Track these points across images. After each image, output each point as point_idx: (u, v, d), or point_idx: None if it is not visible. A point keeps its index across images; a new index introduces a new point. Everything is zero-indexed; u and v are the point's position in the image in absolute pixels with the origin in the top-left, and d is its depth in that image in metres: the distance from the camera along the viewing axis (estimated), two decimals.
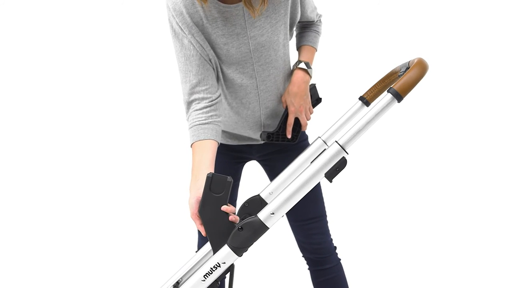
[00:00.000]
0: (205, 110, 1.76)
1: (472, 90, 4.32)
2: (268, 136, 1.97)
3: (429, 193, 3.98)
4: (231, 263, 1.59)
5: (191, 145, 1.72)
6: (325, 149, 1.57)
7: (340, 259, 2.13)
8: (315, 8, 2.03)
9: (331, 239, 2.11)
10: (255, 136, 2.02)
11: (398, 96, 1.52)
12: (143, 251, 3.60)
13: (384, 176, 4.11)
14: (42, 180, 4.21)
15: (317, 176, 1.54)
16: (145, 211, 3.97)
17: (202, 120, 1.74)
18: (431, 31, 4.37)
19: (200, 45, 1.78)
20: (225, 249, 1.57)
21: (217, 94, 1.79)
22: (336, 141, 1.55)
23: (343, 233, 3.63)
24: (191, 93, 1.77)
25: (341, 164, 1.55)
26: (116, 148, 4.34)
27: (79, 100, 4.44)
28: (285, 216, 2.01)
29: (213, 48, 1.80)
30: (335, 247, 2.13)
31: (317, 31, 2.04)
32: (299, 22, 2.02)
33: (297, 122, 1.98)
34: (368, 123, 1.54)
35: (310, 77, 1.94)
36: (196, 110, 1.76)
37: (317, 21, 2.06)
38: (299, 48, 2.04)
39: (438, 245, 3.53)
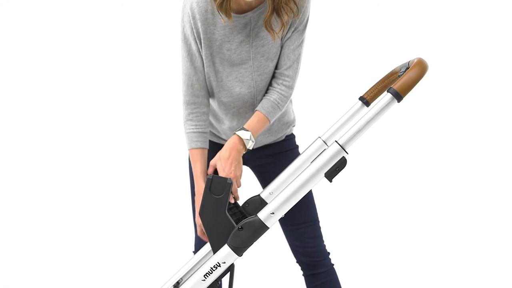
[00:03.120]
0: (203, 117, 1.90)
1: (472, 90, 4.32)
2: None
3: (428, 195, 3.97)
4: (231, 263, 1.60)
5: (189, 149, 1.90)
6: (325, 149, 1.58)
7: (333, 264, 2.11)
8: (295, 69, 1.93)
9: (324, 245, 2.10)
10: None
11: (398, 96, 1.52)
12: (143, 251, 3.60)
13: (383, 176, 4.11)
14: (42, 180, 4.21)
15: (317, 176, 1.55)
16: (145, 212, 3.97)
17: (200, 128, 1.90)
18: (431, 31, 4.37)
19: (202, 58, 1.87)
20: (225, 249, 1.58)
21: (208, 106, 1.94)
22: (336, 141, 1.55)
23: (343, 233, 3.64)
24: (192, 95, 1.89)
25: (341, 164, 1.55)
26: (116, 149, 4.34)
27: (79, 100, 4.43)
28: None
29: (217, 54, 1.86)
30: (329, 253, 2.11)
31: (278, 104, 1.91)
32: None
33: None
34: (368, 123, 1.54)
35: (245, 149, 1.84)
36: (194, 114, 1.89)
37: (281, 95, 1.92)
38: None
39: (434, 249, 3.54)
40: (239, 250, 1.57)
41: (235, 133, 1.81)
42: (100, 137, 4.36)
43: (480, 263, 3.35)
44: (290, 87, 1.92)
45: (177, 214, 3.67)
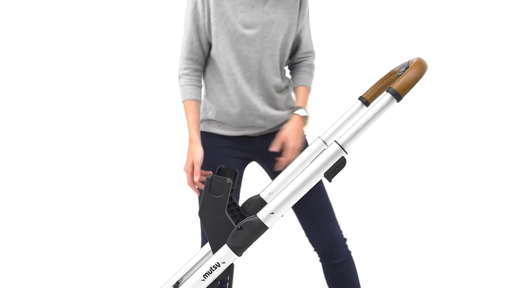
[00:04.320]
0: (197, 73, 2.03)
1: (471, 90, 4.32)
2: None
3: (428, 193, 3.98)
4: (231, 262, 1.60)
5: (183, 101, 2.02)
6: (324, 149, 1.58)
7: (350, 252, 2.13)
8: (311, 43, 2.19)
9: (341, 230, 2.13)
10: (258, 121, 2.04)
11: (397, 96, 1.52)
12: (143, 251, 3.61)
13: (383, 176, 4.11)
14: (43, 181, 4.21)
15: (317, 176, 1.55)
16: (145, 212, 3.97)
17: (194, 82, 2.03)
18: (430, 31, 4.37)
19: (205, 18, 1.97)
20: (225, 249, 1.58)
21: (202, 65, 2.07)
22: (335, 141, 1.56)
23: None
24: (190, 52, 2.02)
25: (341, 163, 1.55)
26: (116, 148, 4.34)
27: (79, 100, 4.43)
28: (287, 216, 2.02)
29: (230, 16, 1.96)
30: (345, 239, 2.13)
31: (311, 74, 2.17)
32: (294, 58, 2.18)
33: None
34: (367, 122, 1.54)
35: (306, 124, 2.05)
36: (190, 69, 2.02)
37: (310, 64, 2.20)
38: (295, 89, 2.15)
39: (433, 249, 3.54)
40: (238, 250, 1.58)
41: (297, 114, 2.01)
42: (100, 138, 4.36)
43: (479, 261, 3.35)
44: (314, 53, 2.20)
45: (177, 214, 3.67)
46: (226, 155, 2.05)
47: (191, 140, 1.96)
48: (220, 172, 1.73)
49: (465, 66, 4.34)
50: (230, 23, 1.95)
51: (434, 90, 4.17)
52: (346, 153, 1.55)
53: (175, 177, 4.05)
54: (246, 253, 1.66)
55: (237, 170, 1.78)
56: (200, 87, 2.05)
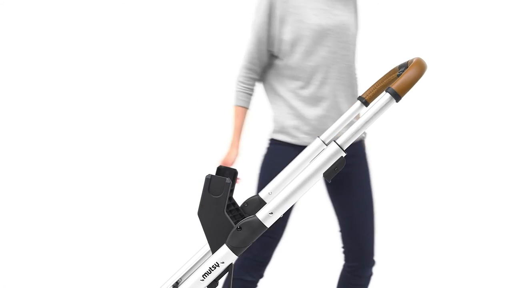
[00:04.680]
0: (252, 82, 2.19)
1: (471, 90, 4.32)
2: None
3: (428, 193, 3.98)
4: (230, 262, 1.60)
5: (234, 106, 2.20)
6: (323, 149, 1.58)
7: (371, 275, 2.27)
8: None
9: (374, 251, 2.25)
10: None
11: (397, 96, 1.52)
12: (143, 251, 3.61)
13: (382, 176, 4.11)
14: (43, 181, 4.21)
15: (316, 176, 1.55)
16: (145, 211, 3.97)
17: (247, 90, 2.20)
18: (430, 31, 4.37)
19: (268, 31, 2.13)
20: (224, 249, 1.58)
21: (258, 75, 2.22)
22: (334, 141, 1.55)
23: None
24: (249, 62, 2.17)
25: (340, 163, 1.55)
26: (116, 148, 4.34)
27: (79, 100, 4.44)
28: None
29: (303, 20, 2.09)
30: (374, 261, 2.25)
31: None
32: None
33: None
34: (367, 122, 1.54)
35: None
36: (246, 78, 2.19)
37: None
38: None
39: (433, 250, 3.54)
40: (237, 250, 1.58)
41: None
42: (100, 138, 4.37)
43: (479, 261, 3.35)
44: None
45: (177, 214, 3.68)
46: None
47: (232, 143, 2.19)
48: (219, 172, 1.73)
49: (465, 66, 4.34)
50: (305, 28, 2.09)
51: (434, 90, 4.18)
52: (345, 153, 1.55)
53: (175, 177, 4.07)
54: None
55: (237, 170, 1.77)
56: (252, 95, 2.22)
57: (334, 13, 2.14)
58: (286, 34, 2.12)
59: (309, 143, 1.99)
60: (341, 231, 2.27)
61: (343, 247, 2.28)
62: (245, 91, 2.20)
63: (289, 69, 2.15)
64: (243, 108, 2.20)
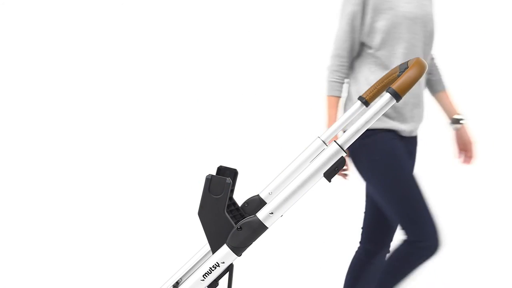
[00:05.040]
0: (344, 71, 2.22)
1: (471, 90, 4.32)
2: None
3: (428, 193, 3.97)
4: (230, 262, 1.60)
5: (328, 96, 2.24)
6: (324, 149, 1.58)
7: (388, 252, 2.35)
8: None
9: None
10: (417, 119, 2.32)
11: (397, 96, 1.52)
12: (143, 251, 3.61)
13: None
14: (43, 181, 4.21)
15: (316, 176, 1.55)
16: (145, 211, 3.97)
17: (340, 79, 2.23)
18: None
19: (362, 19, 2.16)
20: (224, 249, 1.58)
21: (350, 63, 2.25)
22: (335, 141, 1.56)
23: (340, 233, 3.64)
24: (342, 50, 2.20)
25: (340, 163, 1.55)
26: (116, 148, 4.34)
27: (79, 100, 4.44)
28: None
29: (396, 8, 2.13)
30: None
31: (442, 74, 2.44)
32: None
33: None
34: (367, 122, 1.54)
35: None
36: (340, 66, 2.22)
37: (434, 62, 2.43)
38: (438, 94, 2.46)
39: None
40: (238, 250, 1.58)
41: (462, 124, 2.49)
42: (100, 137, 4.37)
43: (479, 261, 3.35)
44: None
45: (177, 214, 3.67)
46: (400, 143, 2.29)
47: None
48: (219, 172, 1.73)
49: (465, 66, 4.34)
50: (399, 16, 2.13)
51: None
52: (346, 153, 1.55)
53: (175, 177, 4.07)
54: (245, 253, 1.66)
55: (230, 180, 1.75)
56: (344, 83, 2.25)
57: (422, 3, 2.19)
58: (380, 22, 2.15)
59: (397, 129, 2.18)
60: (368, 212, 2.36)
61: (364, 228, 2.36)
62: (338, 80, 2.23)
63: (380, 57, 2.19)
64: (338, 98, 2.23)
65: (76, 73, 4.47)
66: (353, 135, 1.55)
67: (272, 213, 1.57)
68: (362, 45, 2.22)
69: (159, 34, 4.37)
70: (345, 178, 2.27)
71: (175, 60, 4.41)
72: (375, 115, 1.54)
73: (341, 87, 2.24)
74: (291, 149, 2.24)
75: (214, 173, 1.77)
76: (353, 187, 3.93)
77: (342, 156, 1.54)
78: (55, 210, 4.03)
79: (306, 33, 4.26)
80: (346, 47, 2.20)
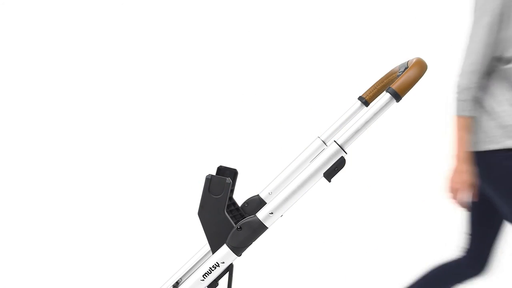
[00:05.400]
0: (479, 87, 1.95)
1: None
2: None
3: (428, 193, 3.97)
4: (230, 262, 1.60)
5: (459, 116, 2.00)
6: (324, 149, 1.58)
7: None
8: None
9: None
10: None
11: (397, 96, 1.53)
12: (143, 251, 3.61)
13: (382, 176, 4.11)
14: (43, 181, 4.21)
15: (316, 176, 1.55)
16: (145, 211, 3.97)
17: (476, 96, 1.96)
18: (430, 31, 4.37)
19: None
20: (224, 249, 1.58)
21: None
22: (334, 141, 1.56)
23: (341, 232, 3.64)
24: (482, 65, 1.94)
25: (340, 163, 1.55)
26: (116, 148, 4.34)
27: (79, 100, 4.44)
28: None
29: None
30: None
31: None
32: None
33: None
34: (367, 122, 1.55)
35: None
36: (476, 84, 1.94)
37: None
38: None
39: (432, 250, 3.53)
40: (238, 250, 1.58)
41: None
42: (100, 137, 4.37)
43: None
44: None
45: (177, 214, 3.67)
46: None
47: (462, 159, 2.01)
48: (219, 172, 1.73)
49: None
50: None
51: (434, 90, 4.17)
52: (346, 153, 1.55)
53: (175, 177, 4.06)
54: (245, 253, 1.66)
55: (230, 180, 1.74)
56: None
57: None
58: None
59: None
60: (474, 234, 2.21)
61: (468, 251, 2.23)
62: (473, 98, 1.97)
63: None
64: (471, 118, 1.99)
65: (76, 73, 4.47)
66: (353, 135, 1.55)
67: (272, 213, 1.57)
68: (494, 59, 2.00)
69: (159, 34, 4.37)
70: (467, 208, 2.12)
71: (175, 60, 4.41)
72: (375, 115, 1.54)
73: (474, 106, 2.00)
74: (291, 149, 2.23)
75: (214, 173, 1.77)
76: (353, 187, 3.95)
77: (342, 156, 1.54)
78: (55, 210, 4.03)
79: (306, 33, 4.26)
80: (483, 62, 1.95)
